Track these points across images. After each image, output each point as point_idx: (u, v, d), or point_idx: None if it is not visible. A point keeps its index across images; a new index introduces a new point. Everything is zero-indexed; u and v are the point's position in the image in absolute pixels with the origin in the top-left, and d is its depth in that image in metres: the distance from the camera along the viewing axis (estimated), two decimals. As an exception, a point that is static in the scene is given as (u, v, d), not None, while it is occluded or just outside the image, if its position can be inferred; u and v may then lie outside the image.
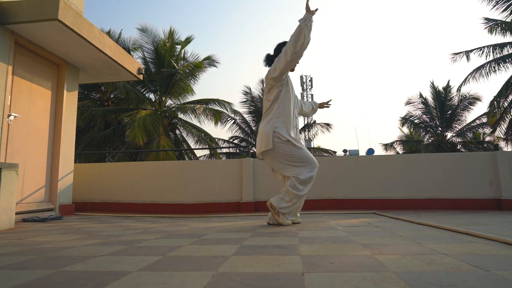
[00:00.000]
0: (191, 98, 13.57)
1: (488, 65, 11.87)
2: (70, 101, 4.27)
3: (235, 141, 17.25)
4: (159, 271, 1.10)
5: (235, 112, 16.35)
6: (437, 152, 14.31)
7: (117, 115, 12.54)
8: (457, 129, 17.21)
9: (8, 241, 1.93)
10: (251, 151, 16.79)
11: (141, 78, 5.01)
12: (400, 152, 19.57)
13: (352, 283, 0.91)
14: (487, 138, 17.25)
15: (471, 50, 12.02)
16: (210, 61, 13.35)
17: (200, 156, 15.54)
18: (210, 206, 4.50)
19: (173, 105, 13.54)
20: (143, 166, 5.14)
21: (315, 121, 18.34)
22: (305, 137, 18.01)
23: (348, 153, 5.96)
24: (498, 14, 15.95)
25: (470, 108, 16.82)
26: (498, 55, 11.72)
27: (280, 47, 2.56)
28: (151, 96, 13.40)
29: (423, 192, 4.24)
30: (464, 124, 17.03)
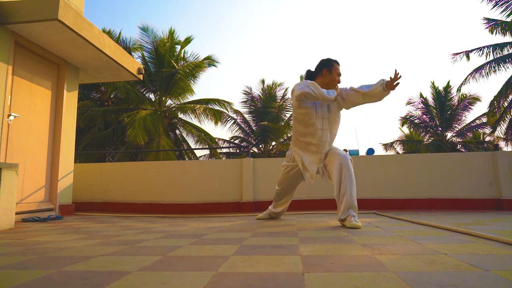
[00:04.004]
0: (191, 98, 13.59)
1: (488, 65, 11.87)
2: (70, 101, 4.27)
3: (236, 141, 17.27)
4: (159, 271, 1.10)
5: (236, 112, 16.37)
6: (437, 152, 14.32)
7: (117, 115, 12.55)
8: (457, 129, 17.22)
9: (8, 241, 1.93)
10: (251, 151, 16.81)
11: (141, 78, 5.01)
12: (400, 152, 19.57)
13: (352, 283, 0.91)
14: (487, 138, 17.26)
15: (471, 50, 12.03)
16: (210, 61, 13.36)
17: (200, 156, 15.55)
18: (210, 206, 4.50)
19: (173, 105, 13.54)
20: (143, 166, 5.14)
21: (315, 121, 18.29)
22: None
23: (348, 153, 5.96)
24: (498, 14, 15.94)
25: (470, 108, 16.85)
26: (498, 55, 11.72)
27: (321, 64, 2.57)
28: (151, 96, 13.41)
29: (423, 192, 4.24)
30: (464, 124, 17.05)
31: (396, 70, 2.27)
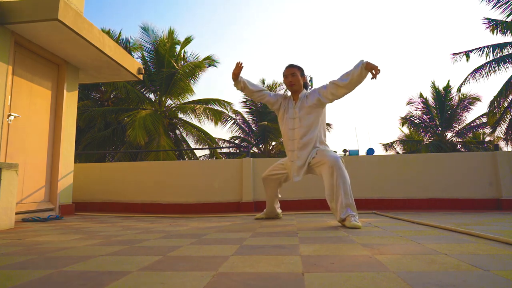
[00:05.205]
0: (191, 98, 13.60)
1: (488, 65, 11.87)
2: (70, 101, 4.27)
3: (236, 141, 17.27)
4: (159, 271, 1.10)
5: (235, 112, 16.37)
6: (437, 152, 14.32)
7: (117, 115, 12.55)
8: (457, 129, 17.23)
9: (8, 241, 1.93)
10: (251, 151, 16.81)
11: (141, 78, 5.01)
12: (400, 152, 19.58)
13: (352, 283, 0.91)
14: (487, 138, 17.26)
15: (471, 50, 12.02)
16: (210, 61, 13.37)
17: (200, 156, 15.56)
18: (210, 206, 4.50)
19: (173, 105, 13.55)
20: (143, 166, 5.14)
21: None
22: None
23: (348, 153, 5.97)
24: (498, 14, 15.95)
25: (470, 108, 16.86)
26: (498, 55, 11.72)
27: None
28: (151, 96, 13.41)
29: (423, 192, 4.24)
30: (464, 124, 17.06)
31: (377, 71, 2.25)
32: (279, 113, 2.73)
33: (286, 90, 16.95)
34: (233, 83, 2.77)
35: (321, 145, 2.57)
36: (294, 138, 2.57)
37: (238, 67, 2.67)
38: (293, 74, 2.62)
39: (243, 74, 2.77)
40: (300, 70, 2.67)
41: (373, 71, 2.23)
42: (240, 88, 2.75)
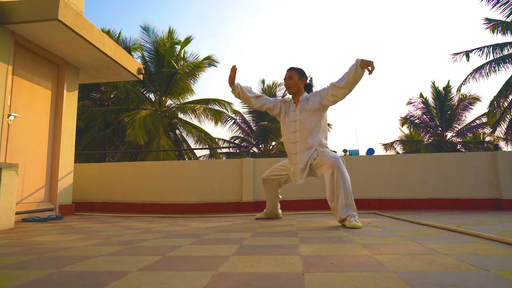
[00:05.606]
0: (191, 98, 13.60)
1: (488, 65, 11.86)
2: (70, 101, 4.27)
3: (236, 141, 17.27)
4: (159, 271, 1.10)
5: (235, 112, 16.37)
6: (437, 152, 14.31)
7: (117, 115, 12.55)
8: (457, 129, 17.22)
9: (8, 241, 1.93)
10: (251, 151, 16.81)
11: (141, 78, 5.00)
12: (400, 152, 19.57)
13: (352, 283, 0.91)
14: (487, 138, 17.26)
15: (471, 50, 12.02)
16: (210, 61, 13.36)
17: (200, 156, 15.55)
18: (210, 206, 4.50)
19: (173, 105, 13.54)
20: (143, 166, 5.14)
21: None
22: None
23: (348, 153, 5.96)
24: (498, 14, 15.96)
25: (470, 108, 16.85)
26: (498, 55, 11.71)
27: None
28: (151, 96, 13.41)
29: (423, 192, 4.24)
30: (464, 124, 17.05)
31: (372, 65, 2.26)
32: (280, 117, 2.76)
33: (285, 91, 16.97)
34: (230, 89, 2.81)
35: (321, 148, 2.58)
36: (296, 141, 2.58)
37: (233, 71, 2.69)
38: (291, 77, 2.66)
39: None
40: (299, 72, 2.68)
41: (369, 67, 2.25)
42: (237, 94, 2.77)
